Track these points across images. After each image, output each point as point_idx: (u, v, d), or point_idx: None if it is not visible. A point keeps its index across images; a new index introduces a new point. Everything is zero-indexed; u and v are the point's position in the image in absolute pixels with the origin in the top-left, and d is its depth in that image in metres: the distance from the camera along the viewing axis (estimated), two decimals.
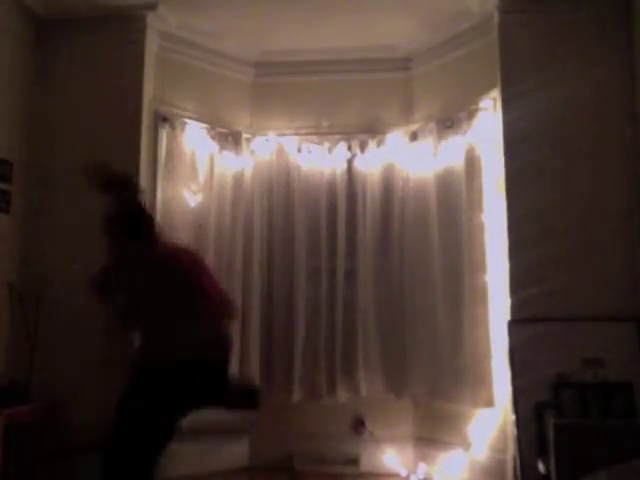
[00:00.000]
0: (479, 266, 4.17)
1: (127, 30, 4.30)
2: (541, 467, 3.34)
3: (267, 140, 4.89)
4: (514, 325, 3.72)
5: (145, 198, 3.34)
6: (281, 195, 4.82)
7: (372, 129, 4.82)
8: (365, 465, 4.53)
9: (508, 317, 3.78)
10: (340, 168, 4.77)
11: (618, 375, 3.49)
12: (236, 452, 4.61)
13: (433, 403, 4.45)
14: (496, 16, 4.03)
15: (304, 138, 4.85)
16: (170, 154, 4.51)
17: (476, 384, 4.08)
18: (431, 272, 4.43)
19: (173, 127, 4.53)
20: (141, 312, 2.97)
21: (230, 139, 4.79)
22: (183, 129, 4.59)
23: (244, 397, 3.19)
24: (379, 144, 4.78)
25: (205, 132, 4.70)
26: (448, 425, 4.37)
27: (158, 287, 2.90)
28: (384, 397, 4.58)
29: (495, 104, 4.18)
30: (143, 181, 4.30)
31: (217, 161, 4.72)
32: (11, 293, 4.00)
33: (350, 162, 4.79)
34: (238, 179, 4.76)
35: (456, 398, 4.19)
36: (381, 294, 4.64)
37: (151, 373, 2.82)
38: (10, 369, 3.96)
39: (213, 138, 4.73)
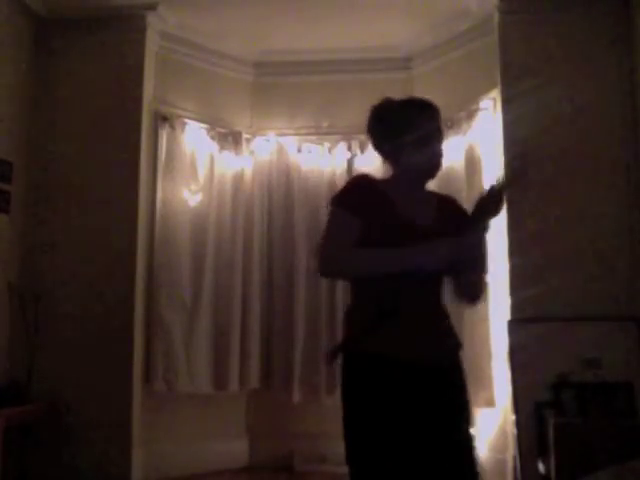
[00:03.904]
0: None
1: (127, 30, 4.30)
2: (541, 467, 3.34)
3: (267, 140, 4.88)
4: (514, 325, 3.72)
5: None
6: (281, 195, 4.81)
7: None
8: None
9: (508, 317, 3.78)
10: (340, 168, 4.77)
11: (618, 375, 3.48)
12: (236, 452, 4.61)
13: None
14: (496, 16, 4.03)
15: (304, 138, 4.84)
16: (170, 154, 4.51)
17: (476, 384, 4.07)
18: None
19: (173, 127, 4.53)
20: None
21: (230, 139, 4.78)
22: (183, 129, 4.58)
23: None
24: None
25: (205, 132, 4.70)
26: None
27: None
28: None
29: (495, 104, 4.18)
30: (143, 181, 4.31)
31: (217, 161, 4.71)
32: (11, 293, 4.00)
33: (350, 162, 4.79)
34: (238, 179, 4.75)
35: None
36: None
37: None
38: (10, 369, 3.95)
39: (213, 138, 4.72)
